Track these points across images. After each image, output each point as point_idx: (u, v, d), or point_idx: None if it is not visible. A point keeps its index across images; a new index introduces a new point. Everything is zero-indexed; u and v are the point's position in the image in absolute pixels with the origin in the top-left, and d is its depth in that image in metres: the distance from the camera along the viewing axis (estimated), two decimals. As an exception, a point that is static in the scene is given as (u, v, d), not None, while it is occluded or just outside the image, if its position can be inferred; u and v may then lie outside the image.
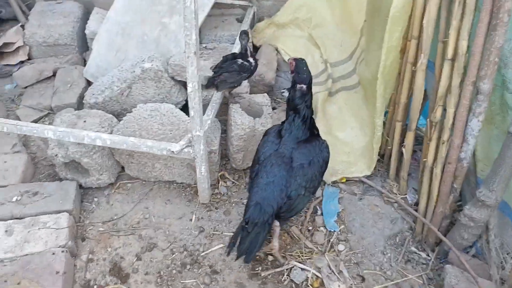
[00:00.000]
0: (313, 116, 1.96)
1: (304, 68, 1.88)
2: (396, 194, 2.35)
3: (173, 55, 2.53)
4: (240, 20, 3.26)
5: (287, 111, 1.95)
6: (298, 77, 1.87)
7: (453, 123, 1.78)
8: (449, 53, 1.71)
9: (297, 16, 3.33)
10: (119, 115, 2.57)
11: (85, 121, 2.18)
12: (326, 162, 1.91)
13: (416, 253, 2.12)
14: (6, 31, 3.09)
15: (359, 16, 3.10)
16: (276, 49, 3.20)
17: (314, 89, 2.98)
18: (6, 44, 2.87)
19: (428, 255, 2.12)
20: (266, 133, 2.03)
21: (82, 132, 1.96)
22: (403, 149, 2.14)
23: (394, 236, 2.19)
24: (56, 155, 2.09)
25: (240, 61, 2.25)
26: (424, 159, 1.98)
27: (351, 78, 3.04)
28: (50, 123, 2.61)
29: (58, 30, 2.95)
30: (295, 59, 1.93)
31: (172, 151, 1.93)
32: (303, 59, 1.92)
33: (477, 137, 1.75)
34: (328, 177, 2.37)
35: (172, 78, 2.52)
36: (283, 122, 1.98)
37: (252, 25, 3.42)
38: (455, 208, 2.07)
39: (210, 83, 2.28)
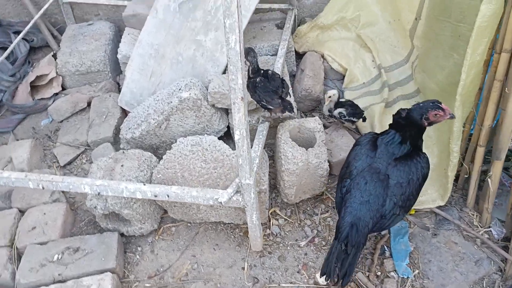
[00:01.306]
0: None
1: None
2: (478, 227, 2.02)
3: (212, 80, 2.28)
4: (280, 26, 2.96)
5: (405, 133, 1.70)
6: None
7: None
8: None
9: (343, 16, 2.98)
10: (158, 149, 2.39)
11: (122, 165, 2.00)
12: (425, 179, 1.72)
13: (509, 301, 1.80)
14: (40, 60, 2.98)
15: (409, 14, 2.72)
16: (322, 56, 2.89)
17: (368, 100, 2.68)
18: (39, 77, 2.74)
19: (523, 302, 1.79)
20: (357, 143, 1.86)
21: (121, 185, 1.77)
22: (489, 180, 1.80)
23: (480, 281, 1.87)
24: (95, 207, 1.93)
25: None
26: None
27: (409, 85, 2.68)
28: (87, 161, 2.47)
29: (90, 57, 2.79)
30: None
31: (220, 202, 1.71)
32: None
33: None
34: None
35: (213, 105, 2.28)
36: (382, 133, 1.79)
37: (293, 30, 3.12)
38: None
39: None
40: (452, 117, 1.52)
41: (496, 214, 2.02)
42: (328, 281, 1.72)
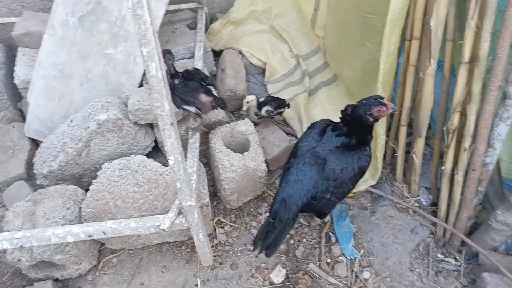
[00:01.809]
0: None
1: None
2: (409, 197, 2.17)
3: (130, 96, 2.13)
4: (192, 27, 2.85)
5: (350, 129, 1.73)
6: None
7: (474, 130, 1.57)
8: (466, 56, 1.47)
9: (254, 9, 2.97)
10: (81, 178, 2.19)
11: (44, 208, 1.79)
12: (362, 171, 1.77)
13: (444, 260, 1.97)
14: None
15: (308, 5, 2.78)
16: (240, 52, 2.85)
17: (291, 91, 2.72)
18: None
19: (455, 259, 1.97)
20: (311, 126, 1.89)
21: (47, 232, 1.59)
22: (414, 156, 1.93)
23: (417, 247, 2.02)
24: (19, 260, 1.71)
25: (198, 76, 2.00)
26: (442, 167, 1.77)
27: (327, 71, 2.76)
28: None
29: (-21, 85, 2.44)
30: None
31: (163, 229, 1.61)
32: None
33: (504, 141, 1.55)
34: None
35: (135, 123, 2.14)
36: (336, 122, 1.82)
37: (206, 28, 3.03)
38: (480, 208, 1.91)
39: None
40: (395, 110, 1.57)
41: (422, 183, 2.19)
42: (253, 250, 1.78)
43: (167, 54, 1.95)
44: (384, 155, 2.25)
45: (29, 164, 2.27)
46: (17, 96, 2.62)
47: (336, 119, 2.20)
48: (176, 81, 1.95)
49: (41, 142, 2.27)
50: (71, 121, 2.13)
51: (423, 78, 1.63)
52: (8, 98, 2.54)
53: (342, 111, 1.73)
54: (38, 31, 2.41)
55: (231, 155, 1.95)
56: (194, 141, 1.97)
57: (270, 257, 1.81)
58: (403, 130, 1.95)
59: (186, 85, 1.95)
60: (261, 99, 2.41)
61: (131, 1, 1.03)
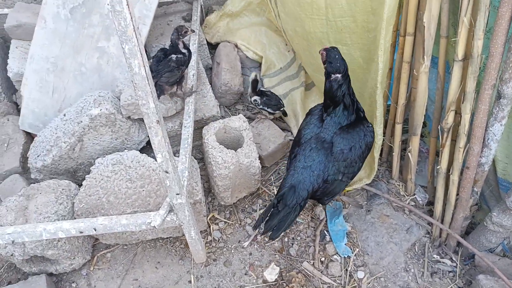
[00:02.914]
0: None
1: (337, 57, 1.69)
2: (405, 196, 2.15)
3: (123, 90, 2.11)
4: (187, 19, 2.81)
5: (325, 101, 1.78)
6: (331, 67, 1.70)
7: (469, 129, 1.54)
8: (459, 53, 1.43)
9: (250, 1, 2.91)
10: (76, 172, 2.19)
11: (36, 203, 1.79)
12: (368, 148, 1.79)
13: (439, 261, 1.96)
14: None
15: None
16: (236, 46, 2.81)
17: (287, 85, 2.68)
18: None
19: (451, 260, 1.96)
20: (309, 113, 1.88)
21: (38, 228, 1.58)
22: (409, 154, 1.90)
23: (412, 247, 2.01)
24: (12, 254, 1.71)
25: (174, 56, 2.01)
26: (438, 167, 1.75)
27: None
28: (-6, 198, 2.19)
29: (-27, 79, 2.42)
30: (325, 49, 1.72)
31: (154, 226, 1.60)
32: (334, 47, 1.71)
33: (499, 140, 1.53)
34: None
35: (128, 117, 2.12)
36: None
37: (202, 21, 2.99)
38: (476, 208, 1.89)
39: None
40: (326, 49, 1.66)
41: (418, 181, 2.17)
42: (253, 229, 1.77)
43: (174, 31, 2.02)
44: (381, 153, 2.22)
45: (24, 158, 2.26)
46: (12, 88, 2.61)
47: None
48: (174, 57, 2.02)
49: (36, 135, 2.27)
50: (64, 115, 2.12)
51: (417, 75, 1.60)
52: (2, 90, 2.53)
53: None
54: (31, 22, 2.38)
55: (224, 152, 1.93)
56: (187, 137, 1.95)
57: (274, 239, 1.85)
58: (398, 128, 1.92)
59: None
60: (263, 89, 2.42)
61: (110, -3, 1.00)
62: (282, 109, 2.38)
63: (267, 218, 1.71)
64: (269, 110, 2.34)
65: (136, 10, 2.28)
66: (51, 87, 2.30)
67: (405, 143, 2.17)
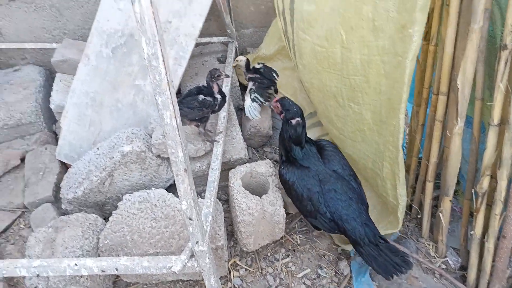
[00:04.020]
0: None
1: (291, 103, 1.88)
2: (435, 258, 2.04)
3: (154, 129, 2.17)
4: (221, 60, 2.90)
5: (290, 147, 1.91)
6: (290, 113, 1.86)
7: (506, 196, 1.47)
8: (495, 118, 1.39)
9: (283, 45, 2.96)
10: (104, 205, 2.24)
11: (64, 237, 1.83)
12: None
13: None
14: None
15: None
16: (268, 89, 2.85)
17: (316, 131, 2.66)
18: (-39, 135, 2.48)
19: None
20: (287, 180, 1.90)
21: (62, 263, 1.61)
22: (441, 215, 1.82)
23: (442, 313, 1.89)
24: (36, 287, 1.74)
25: (201, 97, 2.06)
26: (472, 232, 1.67)
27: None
28: (26, 225, 2.26)
29: (19, 108, 2.56)
30: (277, 101, 1.91)
31: (174, 271, 1.59)
32: (284, 97, 1.92)
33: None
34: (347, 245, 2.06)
35: (158, 156, 2.17)
36: (285, 161, 1.97)
37: (236, 62, 3.06)
38: None
39: None
40: (278, 100, 1.91)
41: (450, 243, 2.06)
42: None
43: (208, 73, 2.10)
44: (410, 208, 2.15)
45: (57, 187, 2.34)
46: (52, 118, 2.74)
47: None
48: (201, 98, 2.08)
49: (70, 166, 2.35)
50: (98, 149, 2.19)
51: (450, 136, 1.56)
52: (44, 120, 2.65)
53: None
54: (75, 58, 2.52)
55: (248, 197, 1.92)
56: (213, 180, 1.97)
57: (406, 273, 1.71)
58: (429, 186, 1.86)
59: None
60: (257, 66, 2.54)
61: (147, 52, 1.05)
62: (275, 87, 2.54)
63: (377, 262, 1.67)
64: (261, 99, 2.47)
65: (173, 52, 2.37)
66: (88, 120, 2.40)
67: (436, 199, 2.09)
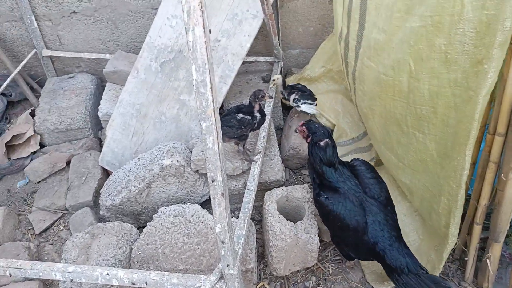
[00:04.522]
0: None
1: (317, 126, 1.85)
2: (478, 304, 1.91)
3: (195, 145, 2.20)
4: (266, 80, 2.90)
5: (323, 170, 1.84)
6: (317, 136, 1.83)
7: None
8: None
9: (330, 68, 2.93)
10: (139, 215, 2.28)
11: (99, 244, 1.87)
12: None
13: None
14: (18, 114, 2.87)
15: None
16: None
17: (357, 157, 2.58)
18: (15, 136, 2.62)
19: None
20: (331, 210, 1.78)
21: (95, 272, 1.64)
22: (488, 261, 1.70)
23: None
24: (68, 291, 1.79)
25: (240, 115, 2.05)
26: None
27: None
28: (65, 227, 2.34)
29: (70, 114, 2.68)
30: (303, 125, 1.89)
31: (202, 292, 1.58)
32: (309, 120, 1.90)
33: None
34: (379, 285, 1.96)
35: (196, 171, 2.18)
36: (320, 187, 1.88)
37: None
38: None
39: None
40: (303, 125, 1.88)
41: (496, 288, 1.92)
42: None
43: (252, 94, 2.09)
44: (453, 249, 2.02)
45: (97, 193, 2.41)
46: (99, 125, 2.85)
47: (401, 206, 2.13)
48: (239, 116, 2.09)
49: (111, 173, 2.42)
50: (139, 159, 2.24)
51: (505, 180, 1.45)
52: (90, 127, 2.76)
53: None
54: (125, 70, 2.62)
55: (283, 222, 1.88)
56: (248, 201, 1.95)
57: None
58: (477, 229, 1.74)
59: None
60: (291, 84, 2.57)
61: (196, 79, 1.05)
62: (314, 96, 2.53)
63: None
64: (309, 102, 2.48)
65: (220, 70, 2.41)
66: (132, 130, 2.47)
67: (483, 241, 1.95)
